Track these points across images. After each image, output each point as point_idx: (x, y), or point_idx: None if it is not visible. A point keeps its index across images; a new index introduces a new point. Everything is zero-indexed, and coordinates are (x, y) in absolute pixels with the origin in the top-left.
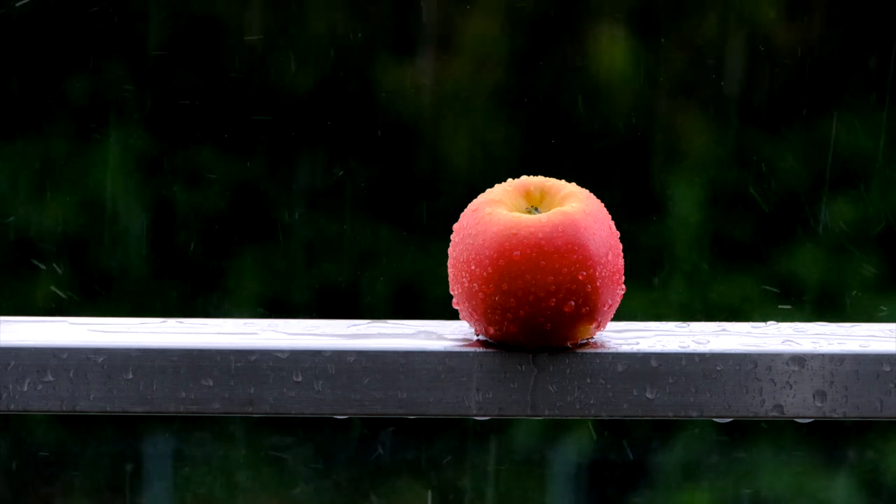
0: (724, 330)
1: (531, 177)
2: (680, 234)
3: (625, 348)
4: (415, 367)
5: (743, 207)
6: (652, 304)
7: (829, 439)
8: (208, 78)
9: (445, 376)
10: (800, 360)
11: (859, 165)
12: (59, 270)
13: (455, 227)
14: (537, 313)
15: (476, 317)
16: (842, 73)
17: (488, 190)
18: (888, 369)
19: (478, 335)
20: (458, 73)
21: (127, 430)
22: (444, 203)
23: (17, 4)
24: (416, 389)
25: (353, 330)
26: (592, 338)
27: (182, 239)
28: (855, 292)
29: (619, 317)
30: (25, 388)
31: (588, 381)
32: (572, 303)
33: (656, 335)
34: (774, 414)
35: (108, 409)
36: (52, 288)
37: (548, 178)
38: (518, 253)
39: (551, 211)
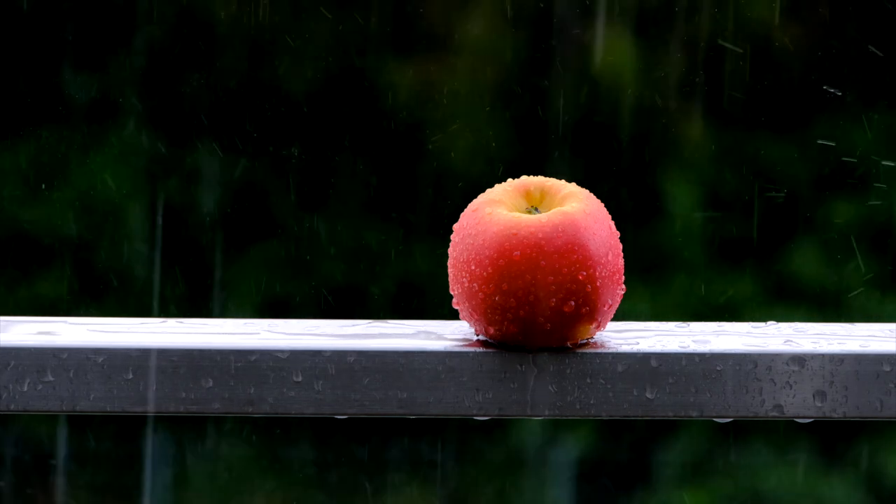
0: (724, 330)
1: (531, 177)
2: (680, 233)
3: (625, 348)
4: (415, 367)
5: (743, 207)
6: (652, 304)
7: (829, 439)
8: (208, 78)
9: (445, 376)
10: (800, 360)
11: (859, 165)
12: (60, 270)
13: (455, 227)
14: (537, 313)
15: (476, 317)
16: (842, 72)
17: (488, 190)
18: (888, 369)
19: (478, 335)
20: (459, 73)
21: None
22: (444, 203)
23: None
24: (416, 389)
25: (353, 330)
26: (592, 338)
27: (182, 239)
28: (855, 292)
29: (619, 317)
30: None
31: (588, 381)
32: (572, 303)
33: (656, 335)
34: (774, 414)
35: (108, 409)
36: (53, 288)
37: (548, 178)
38: (518, 253)
39: (551, 211)
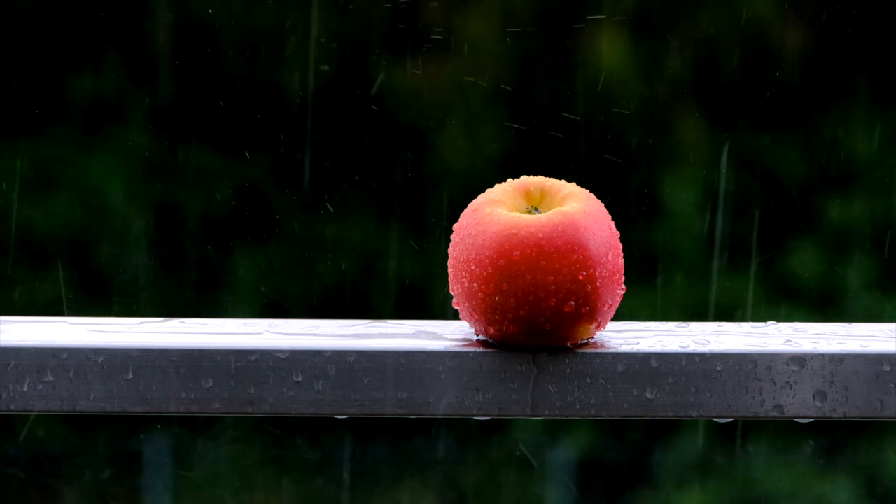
0: (724, 330)
1: (531, 177)
2: (680, 233)
3: (625, 348)
4: (415, 367)
5: (743, 207)
6: (652, 304)
7: (829, 439)
8: (209, 78)
9: (445, 376)
10: (800, 360)
11: (859, 165)
12: (60, 270)
13: (455, 227)
14: (537, 313)
15: (476, 317)
16: (842, 72)
17: (488, 190)
18: (888, 369)
19: (478, 335)
20: (459, 73)
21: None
22: (444, 203)
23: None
24: (416, 389)
25: (353, 330)
26: (592, 338)
27: (182, 239)
28: (855, 292)
29: (619, 317)
30: (25, 388)
31: (588, 381)
32: (572, 303)
33: (656, 335)
34: (774, 414)
35: (108, 409)
36: (53, 288)
37: (548, 178)
38: (518, 253)
39: (551, 211)
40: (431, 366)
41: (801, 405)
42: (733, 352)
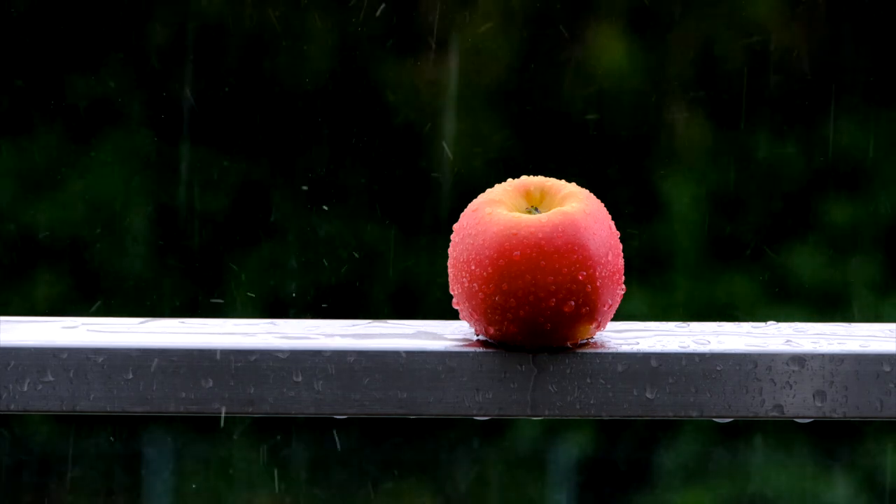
0: (724, 330)
1: (531, 177)
2: (680, 233)
3: (625, 348)
4: (415, 367)
5: (742, 207)
6: (652, 305)
7: (829, 439)
8: (209, 78)
9: (445, 376)
10: (800, 360)
11: (859, 165)
12: (60, 270)
13: (455, 227)
14: (537, 313)
15: (476, 317)
16: (842, 72)
17: (488, 190)
18: (888, 369)
19: (478, 335)
20: (459, 72)
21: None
22: (444, 203)
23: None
24: (416, 389)
25: (353, 330)
26: (592, 338)
27: (183, 239)
28: (855, 292)
29: (619, 317)
30: (25, 388)
31: (588, 381)
32: (572, 303)
33: (656, 335)
34: (774, 414)
35: (108, 409)
36: (53, 288)
37: (548, 178)
38: (518, 253)
39: (551, 211)
40: (431, 366)
41: (801, 405)
42: (733, 352)
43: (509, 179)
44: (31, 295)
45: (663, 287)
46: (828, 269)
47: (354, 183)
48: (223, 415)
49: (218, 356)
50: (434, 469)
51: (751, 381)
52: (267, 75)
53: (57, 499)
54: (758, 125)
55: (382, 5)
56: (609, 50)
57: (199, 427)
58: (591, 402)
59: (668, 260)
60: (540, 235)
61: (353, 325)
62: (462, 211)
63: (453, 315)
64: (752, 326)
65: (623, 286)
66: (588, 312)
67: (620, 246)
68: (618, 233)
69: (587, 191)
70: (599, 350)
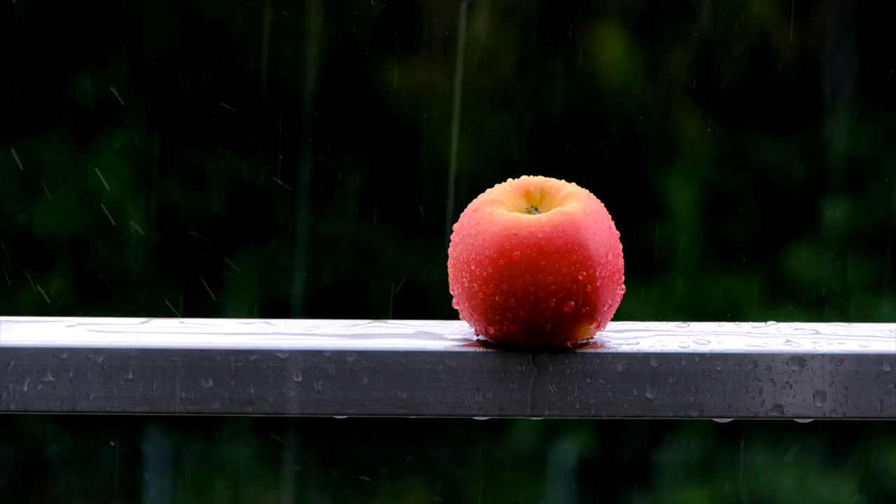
0: (724, 330)
1: (531, 177)
2: (679, 233)
3: (625, 348)
4: (415, 367)
5: (742, 207)
6: (651, 305)
7: (830, 439)
8: (208, 78)
9: (445, 376)
10: (800, 360)
11: (860, 165)
12: (60, 271)
13: (455, 227)
14: (537, 313)
15: (476, 317)
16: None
17: (488, 190)
18: (888, 369)
19: (478, 335)
20: (459, 72)
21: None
22: (444, 203)
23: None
24: (416, 389)
25: (353, 330)
26: (592, 338)
27: (182, 239)
28: (855, 292)
29: (618, 317)
30: (25, 388)
31: (588, 381)
32: (572, 303)
33: (656, 335)
34: (774, 414)
35: (108, 409)
36: (53, 288)
37: (548, 178)
38: (518, 253)
39: (551, 211)
40: (431, 366)
41: (801, 405)
42: (733, 352)
43: (509, 179)
44: (31, 295)
45: (663, 287)
46: (828, 270)
47: (355, 182)
48: (223, 415)
49: (218, 356)
50: (434, 469)
51: (751, 381)
52: (268, 74)
53: (57, 499)
54: (758, 125)
55: (383, 5)
56: (609, 50)
57: (200, 427)
58: (591, 402)
59: (668, 260)
60: (540, 235)
61: (353, 325)
62: (462, 211)
63: (453, 315)
64: (752, 326)
65: (623, 286)
66: (588, 312)
67: (620, 246)
68: (618, 233)
69: (587, 191)
70: (599, 350)
